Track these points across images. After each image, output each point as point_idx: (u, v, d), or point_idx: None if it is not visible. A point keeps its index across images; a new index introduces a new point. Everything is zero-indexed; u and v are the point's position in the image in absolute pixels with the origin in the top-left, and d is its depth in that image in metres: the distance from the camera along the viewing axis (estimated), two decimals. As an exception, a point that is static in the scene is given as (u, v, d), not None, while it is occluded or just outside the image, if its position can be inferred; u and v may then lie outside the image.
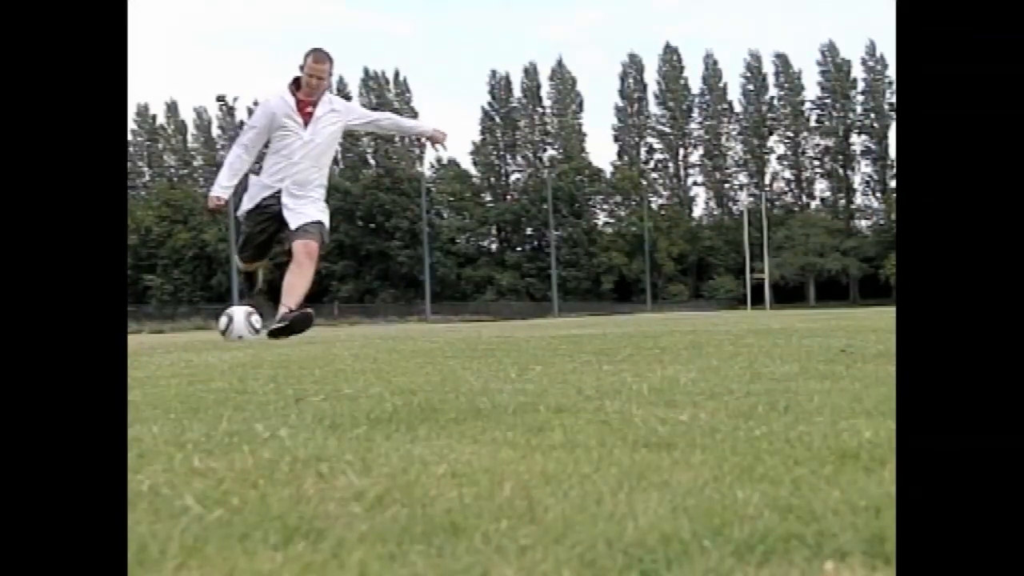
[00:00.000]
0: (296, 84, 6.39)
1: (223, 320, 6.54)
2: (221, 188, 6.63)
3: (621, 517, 0.91)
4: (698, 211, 69.99)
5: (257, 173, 6.56)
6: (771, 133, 68.10)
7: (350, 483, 1.11)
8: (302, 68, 6.35)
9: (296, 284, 6.29)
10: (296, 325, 6.05)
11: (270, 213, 6.38)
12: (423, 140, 7.04)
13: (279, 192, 6.32)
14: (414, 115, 65.36)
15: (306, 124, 6.32)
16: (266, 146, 6.53)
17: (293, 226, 6.29)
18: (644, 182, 65.77)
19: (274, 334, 6.08)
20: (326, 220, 6.49)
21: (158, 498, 1.06)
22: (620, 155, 68.91)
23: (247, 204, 6.47)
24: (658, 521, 0.89)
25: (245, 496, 1.05)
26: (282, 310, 6.18)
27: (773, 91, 67.97)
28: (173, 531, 0.90)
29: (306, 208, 6.38)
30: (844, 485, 1.03)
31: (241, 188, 6.78)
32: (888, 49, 63.78)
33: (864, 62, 66.20)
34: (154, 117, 69.51)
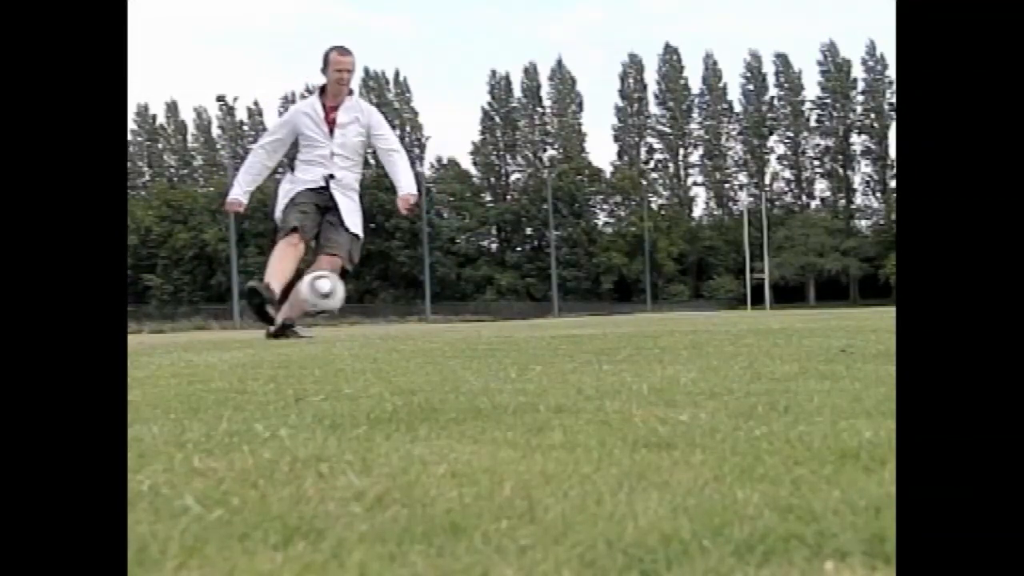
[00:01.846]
0: (324, 91, 6.32)
1: (326, 284, 5.97)
2: (242, 191, 6.55)
3: (621, 517, 0.91)
4: (698, 211, 70.17)
5: (290, 180, 6.46)
6: (771, 133, 68.12)
7: (350, 483, 1.11)
8: (323, 70, 6.26)
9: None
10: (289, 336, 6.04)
11: (319, 204, 6.22)
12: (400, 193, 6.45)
13: (327, 192, 6.22)
14: (414, 115, 65.69)
15: (331, 132, 6.27)
16: (294, 153, 6.49)
17: (348, 223, 6.19)
18: (644, 182, 65.78)
19: (275, 335, 6.08)
20: (362, 235, 6.41)
21: (158, 498, 1.06)
22: (620, 155, 69.00)
23: (286, 194, 6.28)
24: (658, 521, 0.89)
25: (245, 496, 1.05)
26: (280, 317, 6.15)
27: (773, 91, 68.05)
28: (173, 531, 0.90)
29: (355, 216, 6.31)
30: (844, 485, 1.03)
31: (271, 199, 6.69)
32: (888, 49, 63.82)
33: (864, 62, 66.23)
34: (154, 117, 69.60)
